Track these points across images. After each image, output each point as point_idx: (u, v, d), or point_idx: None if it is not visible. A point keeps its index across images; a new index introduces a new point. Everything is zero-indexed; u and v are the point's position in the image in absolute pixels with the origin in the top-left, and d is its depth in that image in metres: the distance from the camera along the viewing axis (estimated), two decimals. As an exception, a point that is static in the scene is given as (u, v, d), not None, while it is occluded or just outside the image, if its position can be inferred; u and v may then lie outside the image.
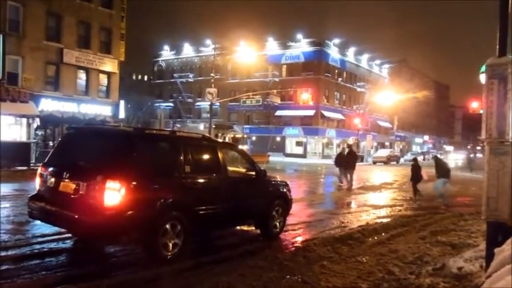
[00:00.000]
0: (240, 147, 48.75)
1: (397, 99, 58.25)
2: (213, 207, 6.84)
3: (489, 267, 3.09)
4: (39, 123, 24.91)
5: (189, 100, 65.64)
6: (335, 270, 6.09)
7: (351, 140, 52.77)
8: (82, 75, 28.69)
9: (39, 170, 6.66)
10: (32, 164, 21.71)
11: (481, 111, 4.32)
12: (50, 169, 6.43)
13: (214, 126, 39.56)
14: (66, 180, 5.96)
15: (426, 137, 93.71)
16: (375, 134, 65.01)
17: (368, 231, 8.81)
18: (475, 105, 18.72)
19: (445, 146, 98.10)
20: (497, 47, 4.38)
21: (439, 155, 17.68)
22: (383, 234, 8.80)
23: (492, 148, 4.18)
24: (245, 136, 47.22)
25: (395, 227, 9.63)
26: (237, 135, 43.47)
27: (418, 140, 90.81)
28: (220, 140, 8.32)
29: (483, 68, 4.50)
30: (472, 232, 8.96)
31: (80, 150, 6.58)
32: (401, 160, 57.01)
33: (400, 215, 11.76)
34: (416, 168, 15.74)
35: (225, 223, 7.67)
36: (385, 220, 10.72)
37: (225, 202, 7.09)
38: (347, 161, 19.44)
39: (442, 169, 14.38)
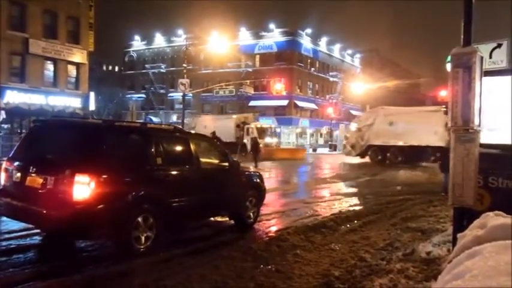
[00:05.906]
0: (269, 139, 38.88)
1: (369, 88, 59.08)
2: (186, 199, 6.79)
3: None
4: (4, 116, 24.18)
5: (162, 91, 64.74)
6: (308, 259, 6.16)
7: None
8: (49, 66, 27.89)
9: (4, 164, 6.45)
10: (-2, 159, 21.03)
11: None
12: (16, 163, 6.24)
13: (235, 116, 36.64)
14: (33, 174, 5.81)
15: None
16: (347, 123, 65.82)
17: (341, 219, 8.93)
18: (443, 93, 19.16)
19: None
20: (462, 36, 4.47)
21: None
22: (355, 221, 8.93)
23: (457, 136, 4.28)
24: (273, 127, 41.71)
25: (367, 214, 9.79)
26: (263, 126, 38.61)
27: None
28: (192, 132, 8.25)
29: (449, 58, 4.59)
30: (440, 218, 9.20)
31: (47, 143, 6.41)
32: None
33: (373, 203, 11.97)
34: (256, 144, 25.23)
35: (198, 215, 7.62)
36: (357, 208, 10.92)
37: (198, 193, 7.04)
38: None
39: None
